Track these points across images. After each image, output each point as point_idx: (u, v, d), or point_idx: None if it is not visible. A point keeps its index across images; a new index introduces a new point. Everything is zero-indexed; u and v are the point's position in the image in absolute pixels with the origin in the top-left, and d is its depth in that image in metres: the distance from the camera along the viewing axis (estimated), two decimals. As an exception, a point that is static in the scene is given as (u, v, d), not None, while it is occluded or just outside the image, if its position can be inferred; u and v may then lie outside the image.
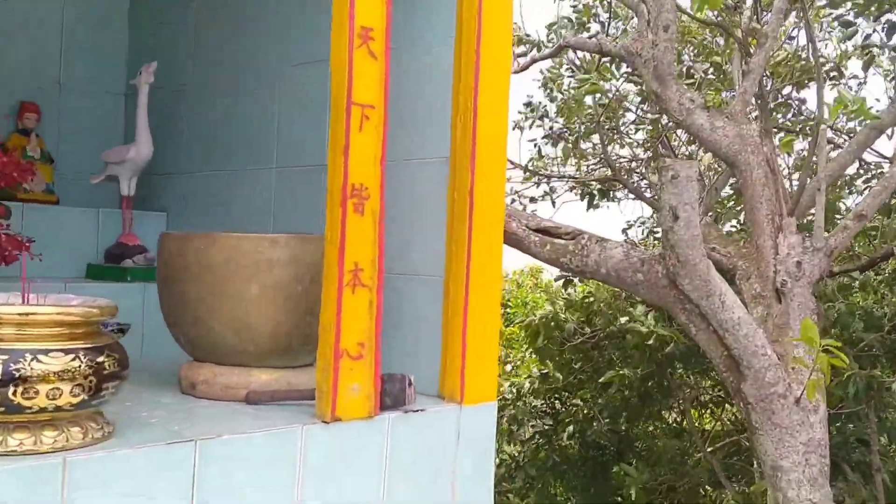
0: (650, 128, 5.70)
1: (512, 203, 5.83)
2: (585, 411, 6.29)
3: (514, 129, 5.38)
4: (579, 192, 5.71)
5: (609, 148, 5.73)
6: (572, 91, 5.36)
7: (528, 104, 5.37)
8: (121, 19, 2.61)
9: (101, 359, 1.21)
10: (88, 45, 2.53)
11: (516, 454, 6.80)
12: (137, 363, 1.91)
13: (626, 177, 5.66)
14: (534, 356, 6.07)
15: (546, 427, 6.44)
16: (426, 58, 1.85)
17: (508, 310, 7.95)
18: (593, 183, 5.72)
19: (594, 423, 6.19)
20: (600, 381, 5.51)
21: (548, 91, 5.59)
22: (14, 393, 1.12)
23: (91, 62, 2.52)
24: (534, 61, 5.59)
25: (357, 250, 1.50)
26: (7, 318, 1.15)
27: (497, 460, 7.10)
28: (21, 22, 2.39)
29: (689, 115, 3.29)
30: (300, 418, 1.47)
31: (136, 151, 2.19)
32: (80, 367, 1.17)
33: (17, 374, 1.12)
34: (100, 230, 2.32)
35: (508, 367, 6.47)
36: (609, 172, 5.57)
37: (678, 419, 6.60)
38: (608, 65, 5.06)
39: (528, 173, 5.59)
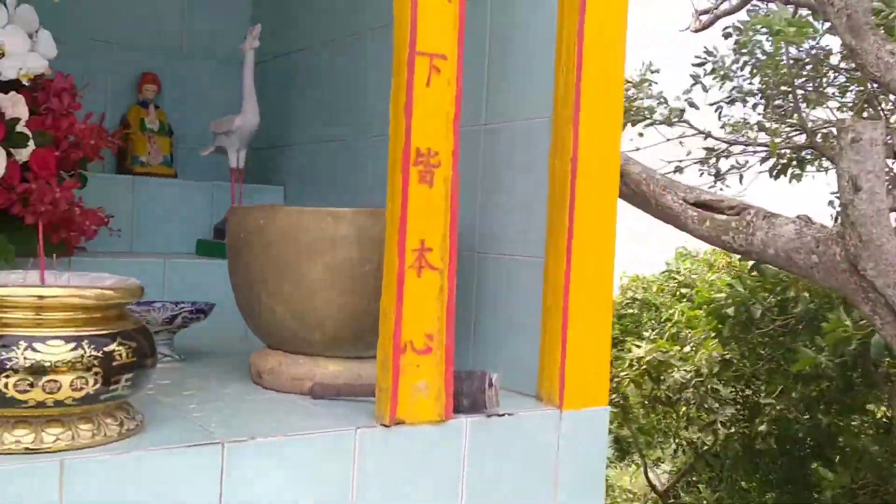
0: (860, 88, 5.02)
1: (701, 177, 5.34)
2: (776, 403, 5.75)
3: (693, 86, 4.89)
4: (771, 163, 5.12)
5: (809, 111, 5.10)
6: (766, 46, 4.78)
7: (703, 62, 4.84)
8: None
9: (111, 347, 1.07)
10: (209, 11, 2.47)
11: (695, 440, 6.36)
12: (225, 347, 1.83)
13: (824, 144, 5.02)
14: (714, 339, 5.59)
15: (737, 416, 5.96)
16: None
17: (693, 290, 7.44)
18: (786, 152, 5.12)
19: (788, 415, 5.65)
20: (793, 369, 4.97)
21: (736, 46, 5.02)
22: (6, 385, 1.01)
23: (212, 29, 2.46)
24: (717, 17, 5.08)
25: (423, 226, 1.28)
26: (7, 301, 1.04)
27: (674, 445, 6.70)
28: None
29: (888, 71, 2.77)
30: (359, 419, 1.28)
31: (242, 121, 2.09)
32: (82, 357, 1.04)
33: (7, 364, 1.01)
34: (213, 204, 2.25)
35: (687, 349, 6.00)
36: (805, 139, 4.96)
37: (887, 414, 5.89)
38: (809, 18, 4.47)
39: (710, 140, 5.08)
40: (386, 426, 1.26)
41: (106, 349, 1.07)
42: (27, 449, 1.04)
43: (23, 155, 1.53)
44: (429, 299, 1.29)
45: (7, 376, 1.01)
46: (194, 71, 2.43)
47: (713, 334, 5.63)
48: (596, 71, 1.46)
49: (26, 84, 1.56)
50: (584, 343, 1.46)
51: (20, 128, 1.53)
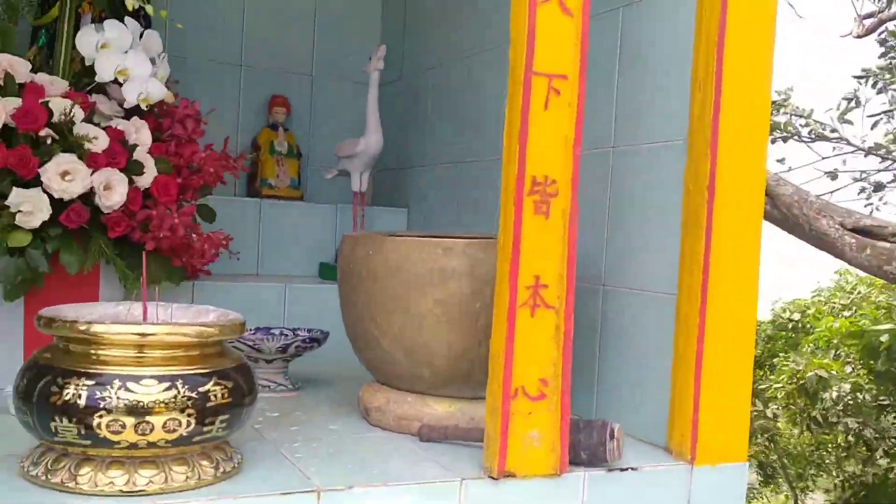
0: None
1: (861, 192, 4.95)
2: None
3: (850, 103, 4.53)
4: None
5: None
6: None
7: (866, 75, 4.47)
8: (374, 7, 2.51)
9: (206, 388, 1.03)
10: (339, 32, 2.46)
11: (854, 472, 5.88)
12: (342, 374, 1.78)
13: None
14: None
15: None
16: (649, 9, 1.46)
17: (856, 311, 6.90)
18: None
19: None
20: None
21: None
22: (99, 425, 0.98)
23: (341, 50, 2.45)
24: (882, 22, 4.69)
25: (538, 261, 1.18)
26: (106, 339, 1.02)
27: (828, 476, 6.20)
28: (273, 12, 2.38)
29: None
30: (466, 468, 1.19)
31: (365, 144, 2.05)
32: (176, 397, 1.01)
33: (101, 404, 0.98)
34: (337, 227, 2.22)
35: (848, 369, 5.57)
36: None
37: None
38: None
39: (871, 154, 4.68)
40: (494, 479, 1.16)
41: (201, 389, 1.03)
42: (121, 491, 1.01)
43: (144, 181, 1.54)
44: (543, 340, 1.19)
45: (101, 416, 0.98)
46: (323, 92, 2.43)
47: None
48: (738, 88, 1.31)
49: (145, 109, 1.57)
50: (720, 392, 1.31)
51: (142, 154, 1.54)
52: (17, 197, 1.40)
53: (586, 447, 1.23)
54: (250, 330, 1.64)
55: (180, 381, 1.02)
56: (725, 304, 1.31)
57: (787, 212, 2.56)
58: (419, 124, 2.28)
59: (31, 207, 1.42)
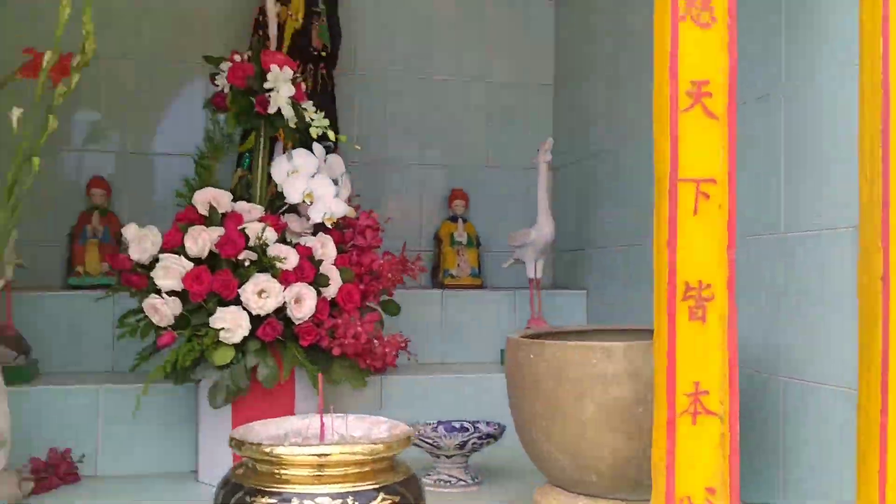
0: None
1: None
2: None
3: None
4: None
5: None
6: None
7: None
8: (545, 96, 2.58)
9: (374, 503, 1.11)
10: (512, 126, 2.55)
11: None
12: (523, 468, 1.80)
13: None
14: None
15: None
16: (803, 96, 1.42)
17: None
18: None
19: None
20: None
21: None
22: (278, 541, 1.08)
23: (516, 143, 2.53)
24: None
25: (697, 367, 1.16)
26: (287, 460, 1.12)
27: None
28: (448, 111, 2.51)
29: None
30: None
31: (536, 233, 2.10)
32: (347, 514, 1.09)
33: (280, 521, 1.08)
34: (517, 312, 2.28)
35: None
36: None
37: None
38: None
39: None
40: (664, 591, 1.15)
41: (370, 504, 1.11)
42: None
43: (330, 292, 1.68)
44: (708, 449, 1.16)
45: (278, 533, 1.08)
46: (499, 183, 2.52)
47: None
48: (909, 171, 1.24)
49: (329, 226, 1.71)
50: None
51: (328, 267, 1.68)
52: (220, 316, 1.58)
53: (763, 558, 1.18)
54: (431, 424, 1.72)
55: (351, 497, 1.10)
56: (914, 401, 1.22)
57: None
58: (594, 207, 2.31)
59: (233, 325, 1.59)
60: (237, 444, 1.16)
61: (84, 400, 1.76)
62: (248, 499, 1.11)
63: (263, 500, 1.09)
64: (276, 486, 1.11)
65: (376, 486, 1.13)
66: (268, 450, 1.12)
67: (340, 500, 1.09)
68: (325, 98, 2.21)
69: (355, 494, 1.11)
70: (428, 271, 2.44)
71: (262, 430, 1.24)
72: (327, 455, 1.11)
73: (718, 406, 1.17)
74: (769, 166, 1.51)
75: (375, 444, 1.15)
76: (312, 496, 1.09)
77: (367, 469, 1.14)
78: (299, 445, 1.14)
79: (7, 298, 1.88)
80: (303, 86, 1.79)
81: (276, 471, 1.12)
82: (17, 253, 1.89)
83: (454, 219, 2.43)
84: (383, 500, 1.12)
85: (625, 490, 1.34)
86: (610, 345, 1.32)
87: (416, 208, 2.48)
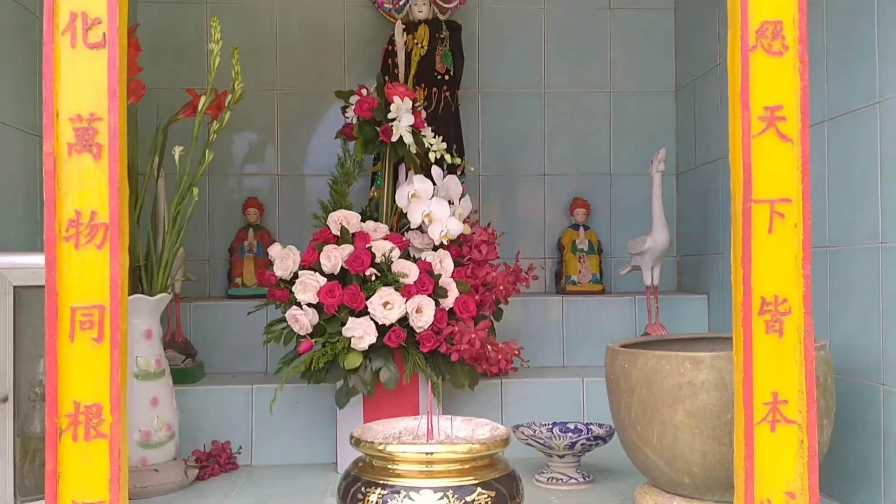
0: None
1: None
2: None
3: None
4: None
5: None
6: None
7: None
8: (667, 103, 2.63)
9: (472, 497, 1.26)
10: (634, 135, 2.62)
11: None
12: (629, 471, 1.88)
13: None
14: None
15: None
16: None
17: None
18: None
19: None
20: None
21: None
22: (389, 527, 1.25)
23: (637, 151, 2.60)
24: None
25: (775, 378, 1.23)
26: (399, 457, 1.28)
27: None
28: (571, 121, 2.61)
29: None
30: (718, 574, 1.27)
31: (652, 242, 2.17)
32: (448, 504, 1.24)
33: (391, 509, 1.25)
34: (636, 318, 2.35)
35: None
36: None
37: None
38: None
39: None
40: (744, 588, 1.22)
41: (468, 498, 1.25)
42: (410, 578, 1.26)
43: (448, 302, 1.84)
44: (787, 455, 1.23)
45: (391, 519, 1.24)
46: (621, 191, 2.60)
47: None
48: None
49: (446, 244, 1.87)
50: None
51: (446, 280, 1.85)
52: (351, 325, 1.77)
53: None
54: (547, 425, 1.85)
55: (451, 490, 1.25)
56: None
57: None
58: (714, 212, 2.34)
59: (361, 333, 1.78)
60: (356, 441, 1.34)
61: (240, 398, 2.01)
62: (363, 489, 1.28)
63: (377, 491, 1.27)
64: (388, 479, 1.28)
65: (475, 482, 1.28)
66: (381, 447, 1.29)
67: (442, 493, 1.25)
68: (449, 118, 2.37)
69: (455, 488, 1.26)
70: (544, 278, 2.56)
71: (379, 429, 1.41)
72: (432, 453, 1.27)
73: (797, 415, 1.23)
74: (859, 180, 1.53)
75: (475, 444, 1.30)
76: (418, 489, 1.25)
77: (467, 466, 1.29)
78: (409, 444, 1.30)
79: (176, 309, 2.16)
80: (422, 113, 1.96)
81: (389, 466, 1.29)
82: (186, 269, 2.17)
83: (576, 227, 2.53)
84: (480, 493, 1.26)
85: (718, 492, 1.42)
86: (697, 355, 1.40)
87: (540, 216, 2.60)
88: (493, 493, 1.27)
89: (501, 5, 2.62)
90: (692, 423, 1.39)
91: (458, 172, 2.37)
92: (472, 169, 2.07)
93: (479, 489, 1.27)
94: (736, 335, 1.26)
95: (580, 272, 2.47)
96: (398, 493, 1.25)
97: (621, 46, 2.62)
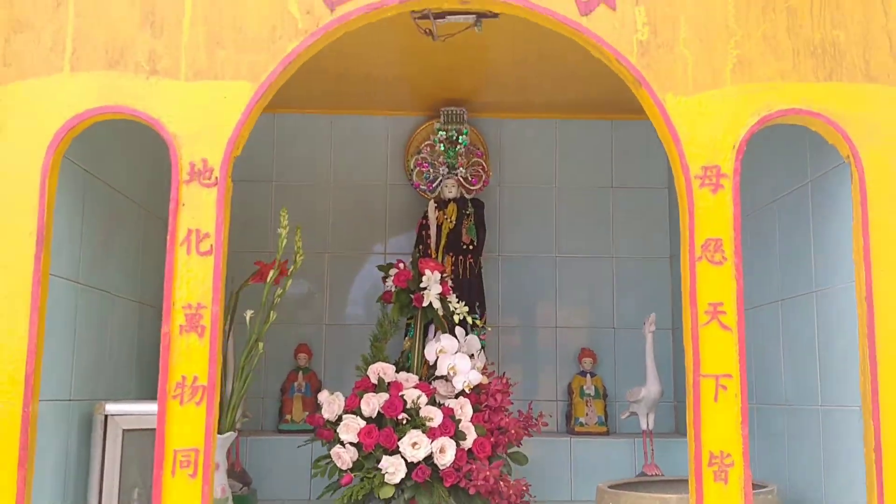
0: None
1: None
2: None
3: None
4: None
5: None
6: None
7: None
8: (663, 268, 3.02)
9: None
10: (635, 294, 2.99)
11: None
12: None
13: None
14: None
15: None
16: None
17: None
18: None
19: None
20: None
21: None
22: None
23: (638, 308, 2.96)
24: None
25: (721, 518, 1.55)
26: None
27: None
28: (580, 282, 3.00)
29: None
30: None
31: (646, 392, 2.51)
32: None
33: None
34: (635, 459, 2.66)
35: None
36: None
37: None
38: None
39: None
40: None
41: None
42: None
43: (467, 444, 2.18)
44: (731, 581, 1.54)
45: None
46: (623, 342, 2.95)
47: None
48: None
49: (468, 392, 2.23)
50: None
51: (465, 425, 2.20)
52: (385, 463, 2.12)
53: None
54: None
55: None
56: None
57: None
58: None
59: (393, 469, 2.12)
60: (387, 561, 1.67)
61: (289, 522, 2.34)
62: None
63: None
64: (412, 593, 1.60)
65: None
66: (407, 567, 1.62)
67: None
68: (473, 281, 2.78)
69: None
70: (556, 419, 2.89)
71: (407, 552, 1.74)
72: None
73: (740, 549, 1.55)
74: (808, 350, 1.88)
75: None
76: None
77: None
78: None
79: (237, 443, 2.53)
80: (448, 282, 2.37)
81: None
82: (245, 407, 2.55)
83: (584, 374, 2.88)
84: None
85: None
86: (666, 496, 1.73)
87: (552, 364, 2.96)
88: None
89: (520, 184, 3.06)
90: (664, 556, 1.70)
91: (481, 326, 2.77)
92: (490, 329, 2.45)
93: None
94: (690, 482, 1.59)
95: (587, 414, 2.80)
96: None
97: (623, 219, 3.04)
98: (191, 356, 1.61)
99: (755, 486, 1.85)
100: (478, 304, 2.77)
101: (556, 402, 2.94)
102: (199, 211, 1.68)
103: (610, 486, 1.90)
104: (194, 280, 1.63)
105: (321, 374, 2.90)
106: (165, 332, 1.62)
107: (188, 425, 1.58)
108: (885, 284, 1.64)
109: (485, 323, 2.80)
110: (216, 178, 1.70)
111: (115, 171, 2.18)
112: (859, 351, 1.67)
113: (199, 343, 1.61)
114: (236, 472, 2.47)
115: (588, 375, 2.88)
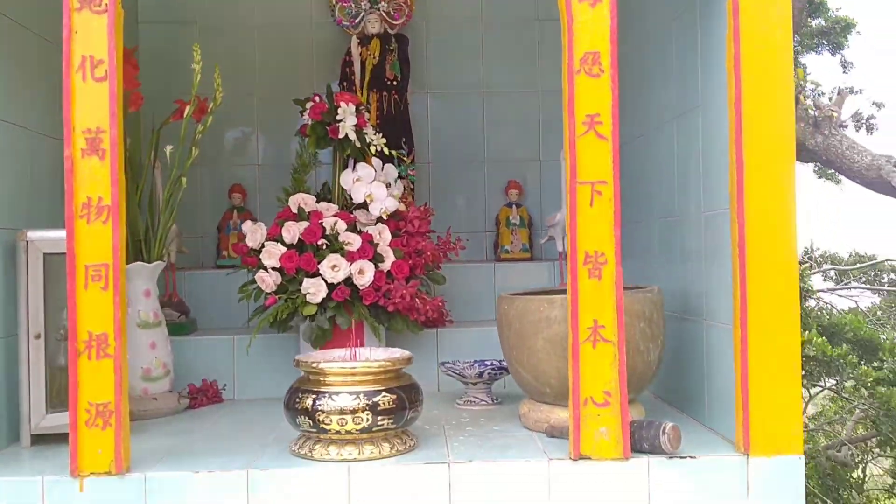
0: None
1: None
2: None
3: None
4: None
5: None
6: None
7: None
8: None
9: (377, 398, 1.74)
10: (560, 127, 3.06)
11: None
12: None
13: None
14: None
15: None
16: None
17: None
18: None
19: None
20: None
21: None
22: (321, 420, 1.73)
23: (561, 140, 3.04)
24: None
25: (594, 310, 1.70)
26: (327, 371, 1.77)
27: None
28: (506, 115, 3.08)
29: None
30: (558, 453, 1.74)
31: (561, 216, 2.63)
32: (359, 403, 1.72)
33: (320, 408, 1.73)
34: (556, 280, 2.82)
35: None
36: None
37: None
38: None
39: None
40: (573, 460, 1.70)
41: (374, 399, 1.73)
42: (334, 459, 1.74)
43: (385, 266, 2.32)
44: (603, 365, 1.70)
45: (320, 415, 1.73)
46: (549, 174, 3.05)
47: None
48: (756, 171, 1.71)
49: (385, 218, 2.35)
50: (769, 394, 1.69)
51: (384, 248, 2.32)
52: (306, 284, 2.25)
53: (646, 439, 1.71)
54: (469, 362, 2.32)
55: (363, 394, 1.73)
56: (765, 329, 1.70)
57: None
58: (633, 185, 2.77)
59: (314, 290, 2.26)
60: (297, 363, 1.83)
61: (225, 345, 2.50)
62: (300, 395, 1.77)
63: (311, 396, 1.75)
64: (319, 388, 1.76)
65: (381, 389, 1.76)
66: (314, 365, 1.78)
67: (355, 396, 1.73)
68: (399, 118, 2.84)
69: (366, 393, 1.74)
70: (485, 248, 3.03)
71: (319, 356, 1.89)
72: (351, 368, 1.75)
73: (612, 336, 1.70)
74: (694, 165, 1.99)
75: (382, 361, 1.78)
76: (338, 393, 1.74)
77: (380, 377, 1.77)
78: (333, 360, 1.78)
79: (172, 275, 2.65)
80: (365, 115, 2.43)
81: (321, 378, 1.77)
82: (180, 243, 2.66)
83: (510, 205, 3.00)
84: (384, 396, 1.75)
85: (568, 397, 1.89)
86: (551, 297, 1.88)
87: (481, 197, 3.07)
88: (394, 396, 1.76)
89: (445, 19, 3.07)
90: (548, 348, 1.86)
91: (409, 162, 2.85)
92: (408, 161, 2.55)
93: (383, 393, 1.75)
94: (568, 280, 1.73)
95: (512, 242, 2.94)
96: (325, 396, 1.74)
97: (549, 52, 3.07)
98: (94, 178, 1.69)
99: (640, 288, 2.00)
100: (404, 140, 2.85)
101: (486, 233, 3.07)
102: (91, 37, 1.73)
103: (510, 294, 2.04)
104: (92, 105, 1.70)
105: (256, 213, 2.99)
106: (68, 155, 1.70)
107: (97, 242, 1.69)
108: (753, 96, 1.73)
109: (413, 159, 2.90)
110: (106, 4, 1.73)
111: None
112: (728, 157, 1.78)
113: (101, 165, 1.70)
114: (173, 303, 2.61)
115: (514, 206, 3.00)
